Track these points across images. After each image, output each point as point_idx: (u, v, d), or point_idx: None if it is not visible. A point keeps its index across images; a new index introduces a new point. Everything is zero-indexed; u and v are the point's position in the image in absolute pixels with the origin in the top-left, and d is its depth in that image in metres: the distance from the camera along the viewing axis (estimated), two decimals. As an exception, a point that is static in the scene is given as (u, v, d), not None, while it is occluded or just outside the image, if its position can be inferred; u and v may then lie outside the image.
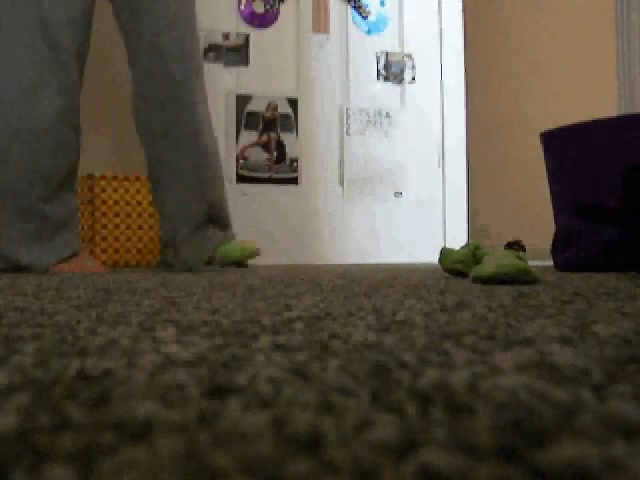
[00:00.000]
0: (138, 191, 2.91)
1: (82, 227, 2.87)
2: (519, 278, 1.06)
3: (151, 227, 2.93)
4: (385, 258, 3.32)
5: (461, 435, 0.19)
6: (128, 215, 2.88)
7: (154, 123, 1.87)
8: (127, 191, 2.89)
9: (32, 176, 1.75)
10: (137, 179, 2.92)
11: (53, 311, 0.60)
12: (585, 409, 0.22)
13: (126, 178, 2.90)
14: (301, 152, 3.21)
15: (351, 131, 3.29)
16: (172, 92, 1.87)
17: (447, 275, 1.42)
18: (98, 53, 3.06)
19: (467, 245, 1.35)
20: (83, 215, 2.85)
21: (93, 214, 2.80)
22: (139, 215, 2.91)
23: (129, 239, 2.89)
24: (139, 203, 2.91)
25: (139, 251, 2.90)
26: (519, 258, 1.11)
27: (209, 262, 1.88)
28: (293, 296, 0.78)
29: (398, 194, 3.36)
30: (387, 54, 3.38)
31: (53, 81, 1.75)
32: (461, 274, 1.36)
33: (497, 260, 1.09)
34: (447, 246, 3.45)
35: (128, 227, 2.88)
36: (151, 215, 2.92)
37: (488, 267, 1.08)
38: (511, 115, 4.05)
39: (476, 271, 1.11)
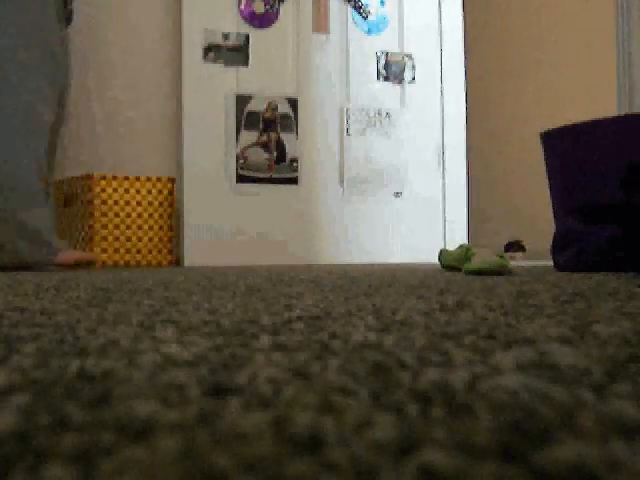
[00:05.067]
0: (138, 191, 2.92)
1: (82, 227, 2.87)
2: (498, 271, 1.40)
3: (151, 227, 2.93)
4: (385, 258, 3.32)
5: (461, 435, 0.19)
6: (128, 215, 2.88)
7: None
8: (127, 191, 2.89)
9: None
10: (137, 179, 2.93)
11: (53, 311, 0.60)
12: (585, 409, 0.22)
13: (126, 178, 2.90)
14: (301, 152, 3.21)
15: (351, 131, 3.29)
16: None
17: (446, 271, 1.66)
18: (96, 55, 3.06)
19: (461, 247, 1.68)
20: (83, 215, 2.85)
21: (93, 214, 2.80)
22: (139, 215, 2.91)
23: (129, 239, 2.89)
24: (139, 203, 2.91)
25: (139, 251, 2.91)
26: (500, 257, 1.45)
27: None
28: (293, 296, 0.78)
29: (398, 194, 3.36)
30: (387, 54, 3.38)
31: None
32: (456, 269, 1.67)
33: (483, 258, 1.44)
34: (447, 246, 3.45)
35: (128, 227, 2.88)
36: (151, 215, 2.92)
37: (476, 263, 1.42)
38: (511, 115, 4.05)
39: (467, 267, 1.43)
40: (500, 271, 1.40)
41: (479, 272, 1.41)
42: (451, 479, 0.16)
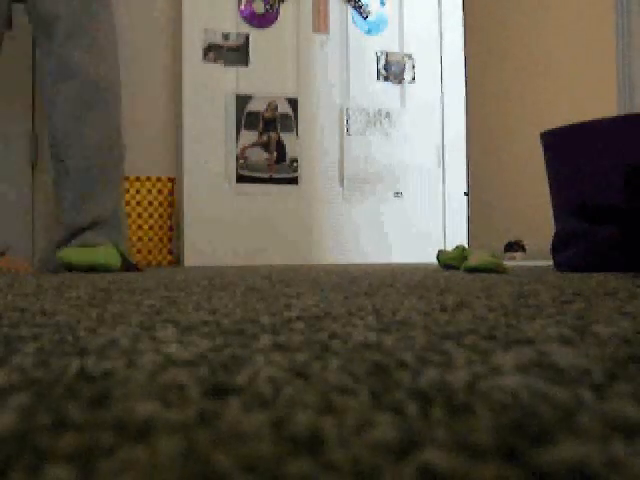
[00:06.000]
0: (138, 191, 2.92)
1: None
2: (493, 269, 1.55)
3: (151, 227, 2.93)
4: (385, 258, 3.32)
5: (461, 435, 0.19)
6: (128, 215, 2.88)
7: None
8: (127, 191, 2.89)
9: None
10: (137, 179, 2.93)
11: (53, 311, 0.60)
12: (585, 409, 0.22)
13: (126, 178, 2.90)
14: (301, 152, 3.21)
15: (351, 131, 3.29)
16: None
17: (444, 270, 1.81)
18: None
19: (457, 247, 1.87)
20: (83, 215, 2.85)
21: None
22: (139, 215, 2.91)
23: (129, 239, 2.89)
24: (139, 203, 2.91)
25: (139, 251, 2.91)
26: (494, 257, 1.61)
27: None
28: (293, 296, 0.78)
29: (398, 194, 3.36)
30: (387, 54, 3.38)
31: None
32: (453, 268, 1.84)
33: (478, 257, 1.60)
34: (447, 246, 3.46)
35: (128, 227, 2.88)
36: (151, 215, 2.92)
37: (473, 261, 1.57)
38: (511, 115, 4.05)
39: (465, 264, 1.60)
40: (496, 269, 1.55)
41: (476, 269, 1.56)
42: (451, 479, 0.16)
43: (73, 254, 1.77)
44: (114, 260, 1.83)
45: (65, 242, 1.88)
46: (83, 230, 1.88)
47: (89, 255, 1.78)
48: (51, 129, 1.89)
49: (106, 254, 1.82)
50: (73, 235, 1.87)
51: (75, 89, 1.85)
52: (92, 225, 1.89)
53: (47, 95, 1.89)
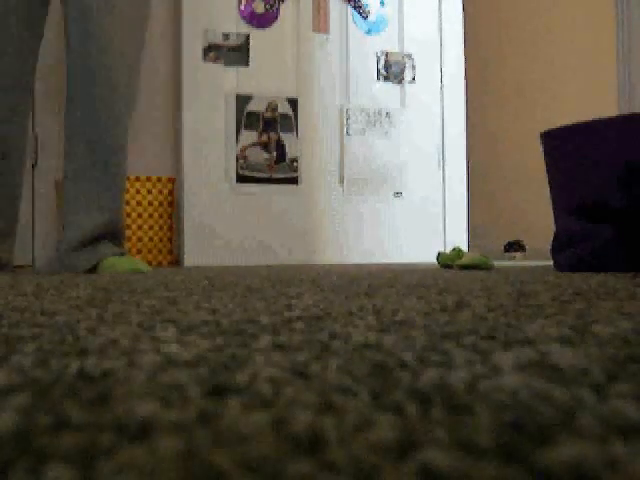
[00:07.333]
0: (138, 191, 2.92)
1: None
2: (481, 266, 1.87)
3: (151, 227, 2.93)
4: (385, 258, 3.32)
5: (461, 435, 0.19)
6: (128, 215, 2.88)
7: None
8: (127, 191, 2.89)
9: None
10: (137, 179, 2.93)
11: (53, 311, 0.60)
12: (585, 409, 0.22)
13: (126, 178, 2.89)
14: (301, 152, 3.21)
15: (351, 131, 3.29)
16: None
17: (443, 269, 1.96)
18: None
19: (454, 249, 2.15)
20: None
21: (93, 214, 2.80)
22: (139, 215, 2.91)
23: (129, 239, 2.89)
24: (139, 203, 2.91)
25: (139, 251, 2.91)
26: (483, 256, 1.91)
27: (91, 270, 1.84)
28: (293, 296, 0.78)
29: (398, 194, 3.37)
30: (387, 54, 3.38)
31: None
32: (451, 267, 2.12)
33: (469, 257, 1.92)
34: (447, 245, 3.46)
35: (128, 227, 2.88)
36: (151, 215, 2.92)
37: (465, 259, 1.90)
38: (511, 115, 4.05)
39: (458, 262, 1.92)
40: (483, 266, 1.87)
41: (467, 266, 1.88)
42: (451, 479, 0.16)
43: (117, 264, 1.82)
44: (145, 266, 1.85)
45: (80, 247, 1.85)
46: (97, 238, 1.86)
47: (130, 263, 1.82)
48: (67, 125, 1.87)
49: (140, 262, 1.86)
50: (88, 240, 1.85)
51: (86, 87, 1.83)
52: (105, 234, 1.87)
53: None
